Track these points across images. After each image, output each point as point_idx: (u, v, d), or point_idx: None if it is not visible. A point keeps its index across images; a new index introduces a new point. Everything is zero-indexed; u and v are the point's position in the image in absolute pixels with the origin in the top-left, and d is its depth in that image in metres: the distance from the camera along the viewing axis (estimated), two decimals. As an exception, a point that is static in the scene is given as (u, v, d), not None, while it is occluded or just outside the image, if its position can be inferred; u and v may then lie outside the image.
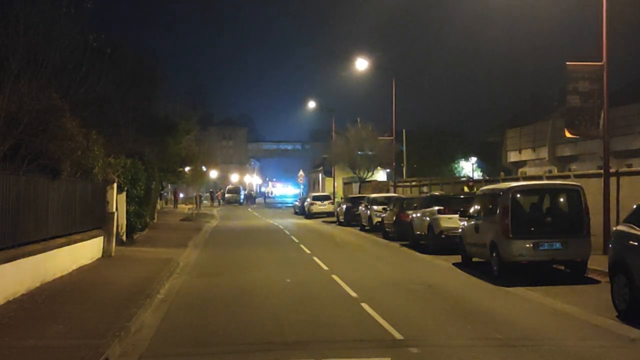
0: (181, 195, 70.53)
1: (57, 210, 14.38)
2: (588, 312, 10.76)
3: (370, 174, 49.82)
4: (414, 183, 41.20)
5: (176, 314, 10.96)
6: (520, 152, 44.37)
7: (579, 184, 15.47)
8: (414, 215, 22.84)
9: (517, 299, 12.22)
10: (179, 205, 59.79)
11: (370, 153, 48.57)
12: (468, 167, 62.65)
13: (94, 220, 17.63)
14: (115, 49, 21.32)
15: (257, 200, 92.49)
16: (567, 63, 18.27)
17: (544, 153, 41.00)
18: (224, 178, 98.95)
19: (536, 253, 14.14)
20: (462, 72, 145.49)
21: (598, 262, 15.00)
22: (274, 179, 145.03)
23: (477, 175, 58.44)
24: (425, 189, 33.38)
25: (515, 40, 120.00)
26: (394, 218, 25.73)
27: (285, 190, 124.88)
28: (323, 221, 42.36)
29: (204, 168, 48.97)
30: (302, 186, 78.33)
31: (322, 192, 64.92)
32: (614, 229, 11.39)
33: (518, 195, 14.78)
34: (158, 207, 43.94)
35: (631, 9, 33.06)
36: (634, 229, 10.30)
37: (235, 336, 9.19)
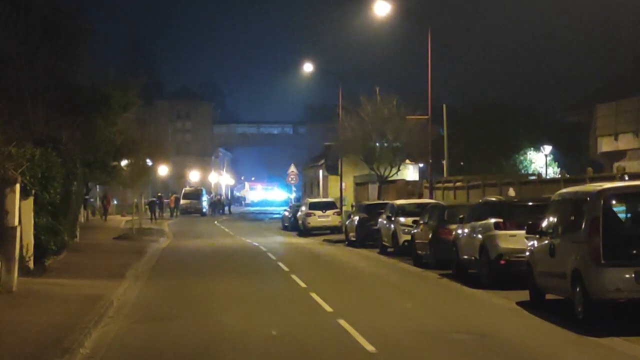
0: (115, 201, 70.40)
1: None
2: None
3: (395, 170, 49.81)
4: (459, 183, 41.16)
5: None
6: (616, 139, 44.33)
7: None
8: (460, 231, 22.82)
9: (612, 356, 12.18)
10: (109, 217, 59.74)
11: (395, 143, 48.53)
12: (540, 160, 62.65)
13: (-14, 238, 17.58)
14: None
15: (227, 209, 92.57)
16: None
17: (651, 139, 40.98)
18: (178, 176, 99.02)
19: (640, 287, 14.11)
20: (529, 25, 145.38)
21: None
22: (253, 178, 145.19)
23: (553, 171, 58.44)
24: (515, 192, 32.59)
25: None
26: (430, 236, 25.72)
27: (270, 195, 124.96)
28: (325, 240, 42.31)
29: (149, 162, 48.92)
30: (294, 189, 78.37)
31: (323, 197, 64.86)
32: None
33: (613, 202, 14.75)
34: (81, 219, 43.86)
35: None
36: None
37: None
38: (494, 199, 24.23)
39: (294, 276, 23.61)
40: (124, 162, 44.46)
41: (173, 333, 14.38)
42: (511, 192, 32.45)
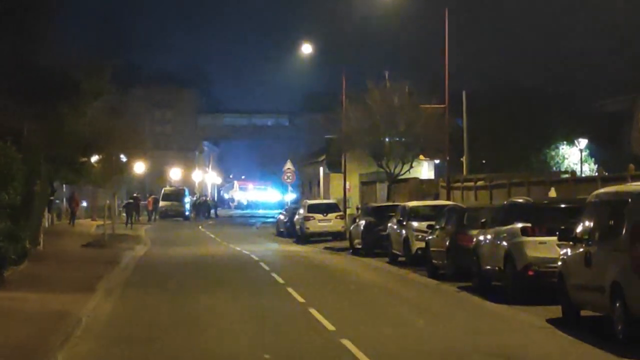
0: (84, 203, 70.39)
1: None
2: None
3: (407, 167, 49.81)
4: (480, 182, 41.15)
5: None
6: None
7: None
8: (482, 238, 22.85)
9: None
10: (77, 221, 59.69)
11: (407, 137, 48.55)
12: (574, 155, 62.64)
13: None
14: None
15: (213, 211, 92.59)
16: None
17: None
18: (157, 175, 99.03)
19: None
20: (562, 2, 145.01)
21: None
22: (243, 177, 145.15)
23: (589, 168, 58.44)
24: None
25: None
26: (448, 243, 25.77)
27: (262, 196, 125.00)
28: (326, 248, 42.32)
29: (123, 158, 49.00)
30: (290, 188, 78.40)
31: (324, 198, 64.82)
32: None
33: (659, 204, 14.76)
34: (45, 223, 43.88)
35: None
36: None
37: None
38: (521, 200, 24.24)
39: (290, 289, 23.62)
40: (94, 158, 44.50)
41: (151, 356, 14.38)
42: (552, 192, 32.30)
